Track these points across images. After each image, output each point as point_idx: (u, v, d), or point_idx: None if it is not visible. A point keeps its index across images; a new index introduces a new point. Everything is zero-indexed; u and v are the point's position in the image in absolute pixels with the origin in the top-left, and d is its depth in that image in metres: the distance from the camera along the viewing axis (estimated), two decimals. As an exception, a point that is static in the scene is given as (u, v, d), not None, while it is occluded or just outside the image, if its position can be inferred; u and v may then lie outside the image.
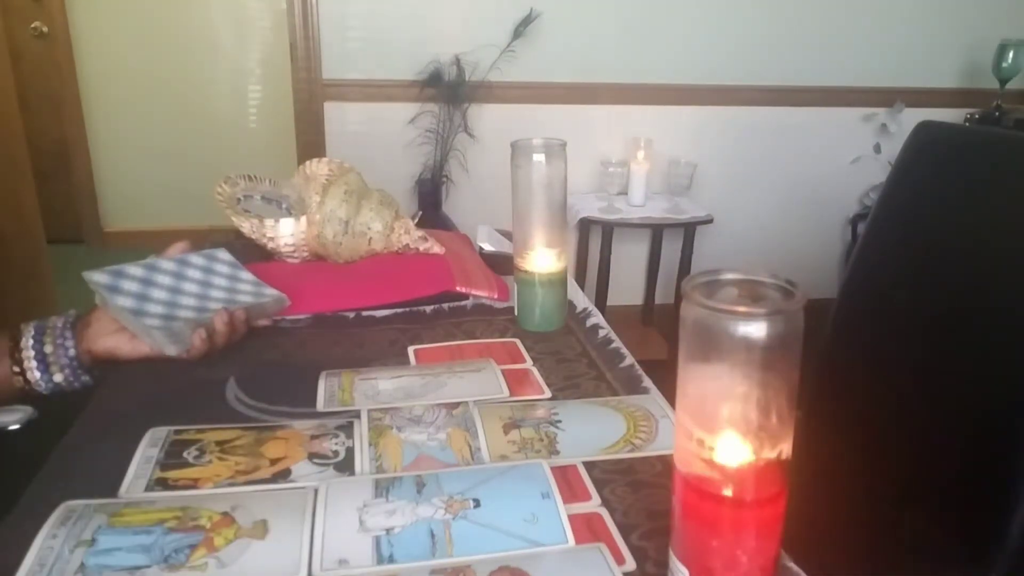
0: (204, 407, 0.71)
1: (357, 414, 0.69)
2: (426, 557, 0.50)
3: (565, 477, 0.60)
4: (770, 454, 0.42)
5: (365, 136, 2.60)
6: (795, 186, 2.90)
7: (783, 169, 2.88)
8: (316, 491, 0.57)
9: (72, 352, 0.76)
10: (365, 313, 0.95)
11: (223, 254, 0.92)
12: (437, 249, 1.10)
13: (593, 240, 2.63)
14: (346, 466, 0.61)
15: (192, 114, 3.54)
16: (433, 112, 2.54)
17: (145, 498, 0.56)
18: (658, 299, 2.94)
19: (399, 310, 0.96)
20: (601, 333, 0.91)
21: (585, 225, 2.59)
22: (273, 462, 0.61)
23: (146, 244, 1.44)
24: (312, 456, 0.62)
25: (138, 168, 3.58)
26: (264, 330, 0.88)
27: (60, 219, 3.27)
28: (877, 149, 2.81)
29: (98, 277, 0.80)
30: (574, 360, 0.83)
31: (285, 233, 1.06)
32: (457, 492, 0.56)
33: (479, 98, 2.54)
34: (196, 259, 0.90)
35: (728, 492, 0.43)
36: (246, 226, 1.06)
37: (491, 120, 2.61)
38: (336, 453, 0.62)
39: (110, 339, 0.78)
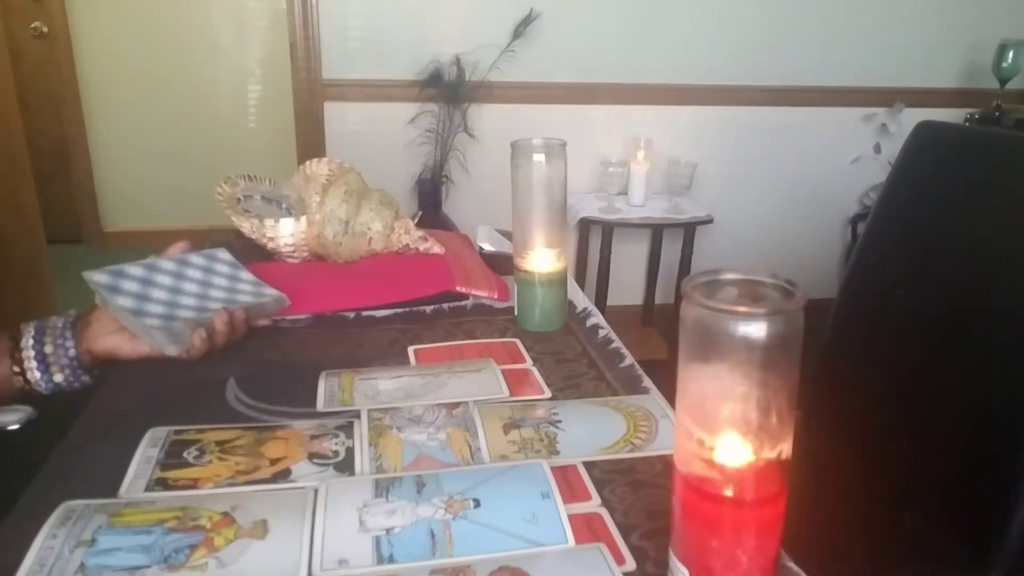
0: (204, 407, 0.71)
1: (357, 414, 0.69)
2: (426, 557, 0.50)
3: (565, 477, 0.60)
4: (770, 454, 0.42)
5: (365, 136, 2.60)
6: (795, 186, 2.90)
7: (783, 169, 2.88)
8: (316, 491, 0.57)
9: (72, 352, 0.76)
10: (365, 313, 0.95)
11: (223, 254, 0.92)
12: (437, 249, 1.10)
13: (593, 240, 2.63)
14: (346, 466, 0.61)
15: (192, 114, 3.54)
16: (433, 112, 2.54)
17: (145, 498, 0.56)
18: (658, 299, 2.94)
19: (399, 310, 0.96)
20: (601, 333, 0.91)
21: (585, 225, 2.59)
22: (273, 462, 0.61)
23: (146, 244, 1.44)
24: (312, 456, 0.62)
25: (138, 168, 3.58)
26: (264, 330, 0.88)
27: (60, 219, 3.27)
28: (877, 149, 2.81)
29: (98, 277, 0.80)
30: (574, 360, 0.83)
31: (285, 233, 1.06)
32: (457, 492, 0.56)
33: (479, 98, 2.54)
34: (196, 259, 0.90)
35: (728, 492, 0.43)
36: (246, 226, 1.06)
37: (491, 120, 2.61)
38: (336, 453, 0.62)
39: (110, 339, 0.78)
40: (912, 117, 1.38)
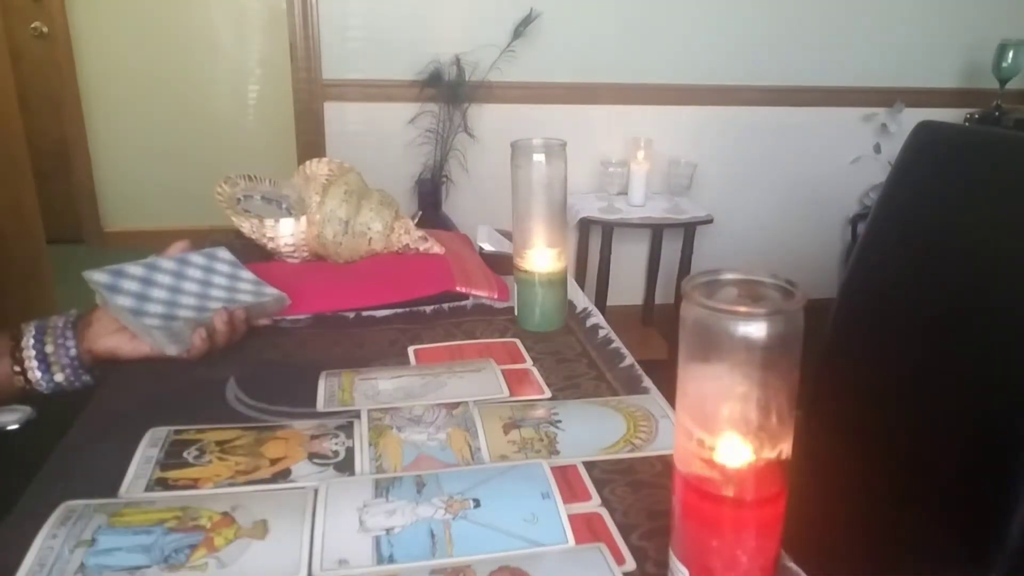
0: (204, 407, 0.71)
1: (357, 414, 0.69)
2: (426, 557, 0.50)
3: (565, 477, 0.60)
4: (770, 454, 0.42)
5: (365, 136, 2.60)
6: (795, 186, 2.90)
7: (783, 169, 2.88)
8: (316, 491, 0.57)
9: (73, 352, 0.76)
10: (365, 313, 0.95)
11: (223, 253, 0.92)
12: (437, 249, 1.10)
13: (593, 240, 2.63)
14: (346, 466, 0.61)
15: (192, 114, 3.54)
16: (433, 112, 2.54)
17: (145, 498, 0.56)
18: (658, 299, 2.94)
19: (399, 310, 0.96)
20: (601, 333, 0.91)
21: (585, 225, 2.59)
22: (273, 462, 0.61)
23: (146, 244, 1.44)
24: (312, 456, 0.62)
25: (138, 168, 3.58)
26: (264, 330, 0.88)
27: (60, 219, 3.27)
28: (877, 149, 2.81)
29: (98, 276, 0.80)
30: (574, 360, 0.83)
31: (285, 233, 1.06)
32: (457, 492, 0.56)
33: (479, 98, 2.54)
34: (196, 258, 0.90)
35: (728, 492, 0.43)
36: (246, 226, 1.06)
37: (491, 120, 2.61)
38: (336, 453, 0.62)
39: (111, 339, 0.78)
40: (912, 117, 1.38)
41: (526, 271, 0.89)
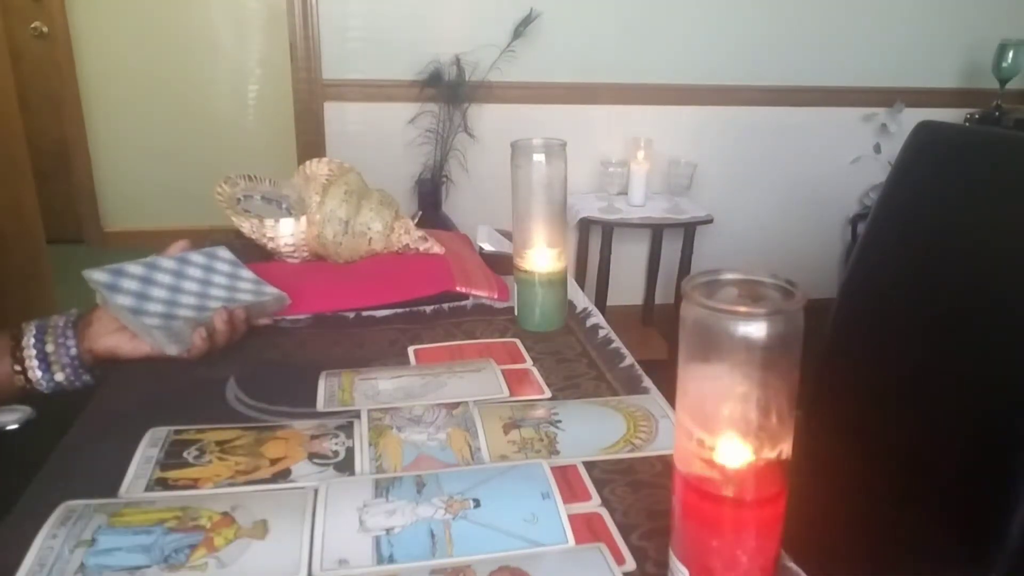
0: (204, 407, 0.71)
1: (357, 414, 0.69)
2: (426, 557, 0.50)
3: (565, 477, 0.60)
4: (770, 454, 0.42)
5: (365, 136, 2.60)
6: (795, 186, 2.90)
7: (783, 169, 2.88)
8: (316, 491, 0.57)
9: (74, 351, 0.76)
10: (365, 313, 0.95)
11: (223, 252, 0.92)
12: (437, 249, 1.10)
13: (593, 240, 2.63)
14: (346, 466, 0.61)
15: (192, 114, 3.54)
16: (433, 112, 2.54)
17: (145, 498, 0.56)
18: (658, 299, 2.94)
19: (399, 310, 0.96)
20: (601, 333, 0.91)
21: (585, 225, 2.59)
22: (273, 462, 0.61)
23: (146, 244, 1.44)
24: (312, 456, 0.62)
25: (138, 168, 3.58)
26: (264, 330, 0.88)
27: (60, 219, 3.27)
28: (877, 149, 2.81)
29: (98, 275, 0.80)
30: (574, 360, 0.83)
31: (285, 233, 1.06)
32: (457, 492, 0.56)
33: (479, 98, 2.54)
34: (197, 257, 0.90)
35: (728, 492, 0.43)
36: (246, 226, 1.06)
37: (491, 120, 2.61)
38: (336, 453, 0.62)
39: (111, 338, 0.78)
40: (912, 117, 1.38)
41: (526, 271, 0.89)
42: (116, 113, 3.50)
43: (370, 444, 0.64)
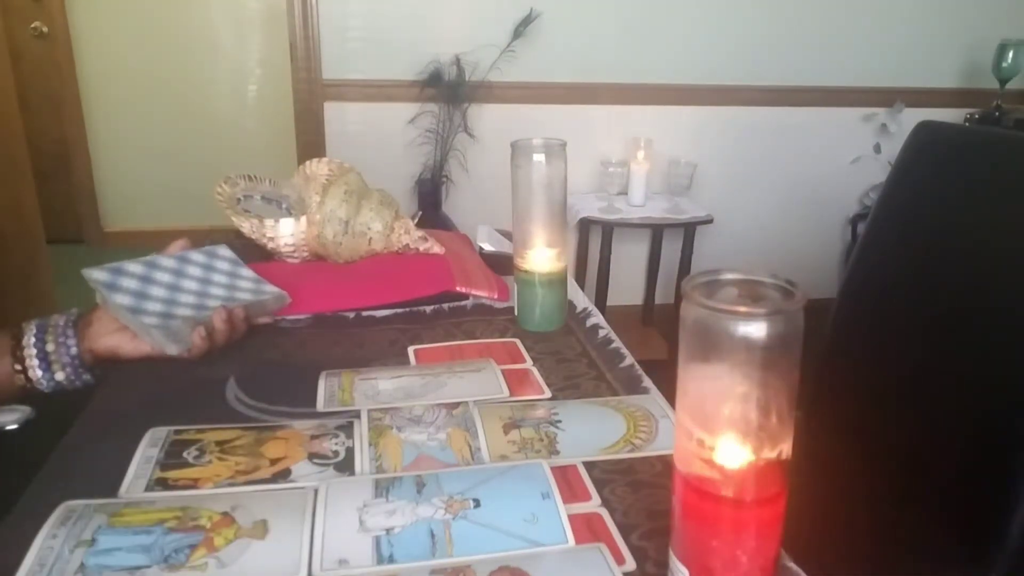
0: (204, 407, 0.71)
1: (357, 414, 0.69)
2: (426, 557, 0.50)
3: (565, 477, 0.60)
4: (770, 454, 0.42)
5: (365, 136, 2.60)
6: (795, 186, 2.90)
7: (783, 169, 2.88)
8: (316, 491, 0.57)
9: (74, 351, 0.76)
10: (365, 313, 0.95)
11: (223, 250, 0.92)
12: (437, 249, 1.10)
13: (593, 240, 2.63)
14: (346, 466, 0.61)
15: (192, 114, 3.54)
16: (433, 112, 2.54)
17: (145, 498, 0.56)
18: (658, 299, 2.94)
19: (399, 310, 0.96)
20: (601, 333, 0.91)
21: (585, 225, 2.59)
22: (273, 462, 0.61)
23: (146, 244, 1.43)
24: (312, 456, 0.62)
25: (138, 168, 3.58)
26: (264, 330, 0.88)
27: (60, 219, 3.27)
28: (877, 149, 2.81)
29: (97, 274, 0.80)
30: (574, 360, 0.83)
31: (285, 233, 1.06)
32: (457, 492, 0.56)
33: (479, 98, 2.54)
34: (197, 256, 0.90)
35: (728, 492, 0.43)
36: (246, 226, 1.06)
37: (491, 120, 2.61)
38: (336, 453, 0.62)
39: (112, 338, 0.78)
40: (912, 117, 1.38)
41: (526, 271, 0.89)
42: (116, 113, 3.50)
43: (370, 444, 0.64)
